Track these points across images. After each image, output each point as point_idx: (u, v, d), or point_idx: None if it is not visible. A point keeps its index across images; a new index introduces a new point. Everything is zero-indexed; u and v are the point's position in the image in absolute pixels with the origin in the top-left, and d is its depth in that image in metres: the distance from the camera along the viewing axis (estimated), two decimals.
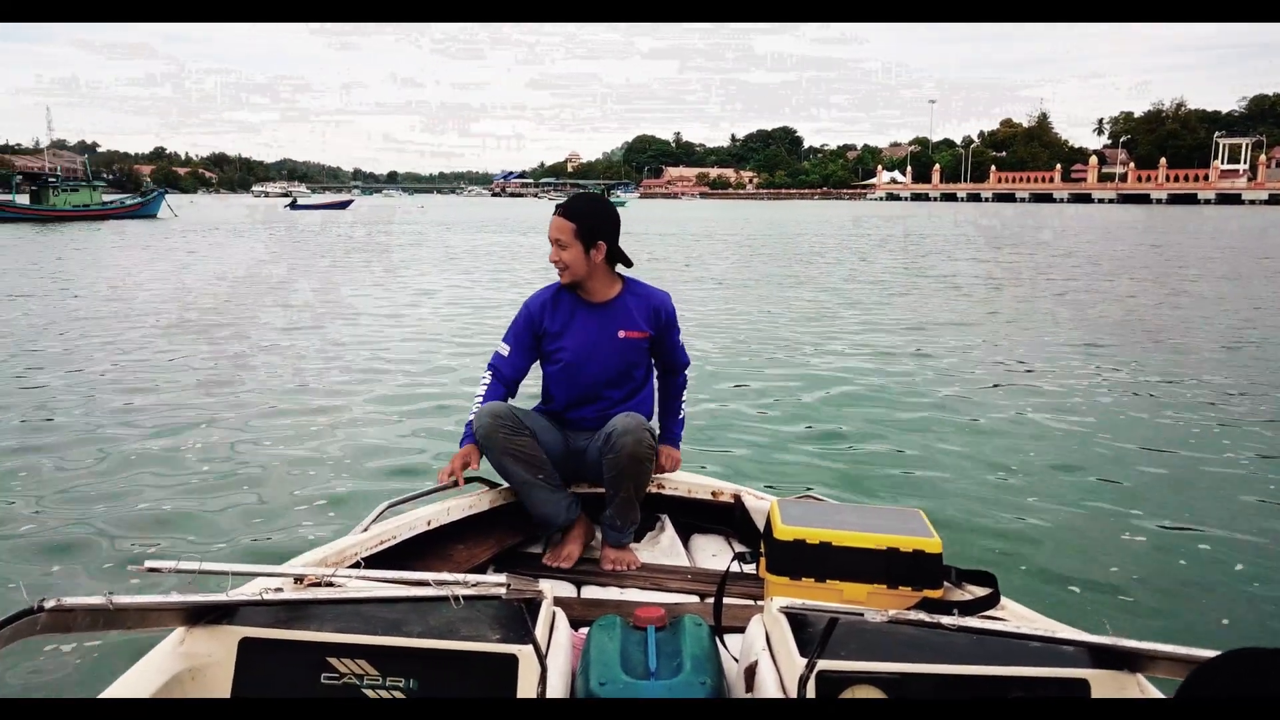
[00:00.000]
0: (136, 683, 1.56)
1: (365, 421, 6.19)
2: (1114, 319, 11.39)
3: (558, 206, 2.84)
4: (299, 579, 1.85)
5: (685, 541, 3.04)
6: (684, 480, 3.05)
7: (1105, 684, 1.52)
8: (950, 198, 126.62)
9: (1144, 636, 1.51)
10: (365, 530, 2.47)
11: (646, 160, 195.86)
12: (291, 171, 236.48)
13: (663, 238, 31.43)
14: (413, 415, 6.39)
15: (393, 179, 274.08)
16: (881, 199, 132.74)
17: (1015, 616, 2.03)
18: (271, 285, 15.12)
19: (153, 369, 7.95)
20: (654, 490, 2.99)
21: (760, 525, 2.64)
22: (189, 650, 1.62)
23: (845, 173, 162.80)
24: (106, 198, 49.87)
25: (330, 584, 1.78)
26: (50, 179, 46.12)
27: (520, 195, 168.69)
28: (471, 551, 2.72)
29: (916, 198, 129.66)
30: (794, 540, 2.17)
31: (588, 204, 2.84)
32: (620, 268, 2.93)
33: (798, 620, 1.66)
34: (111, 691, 1.53)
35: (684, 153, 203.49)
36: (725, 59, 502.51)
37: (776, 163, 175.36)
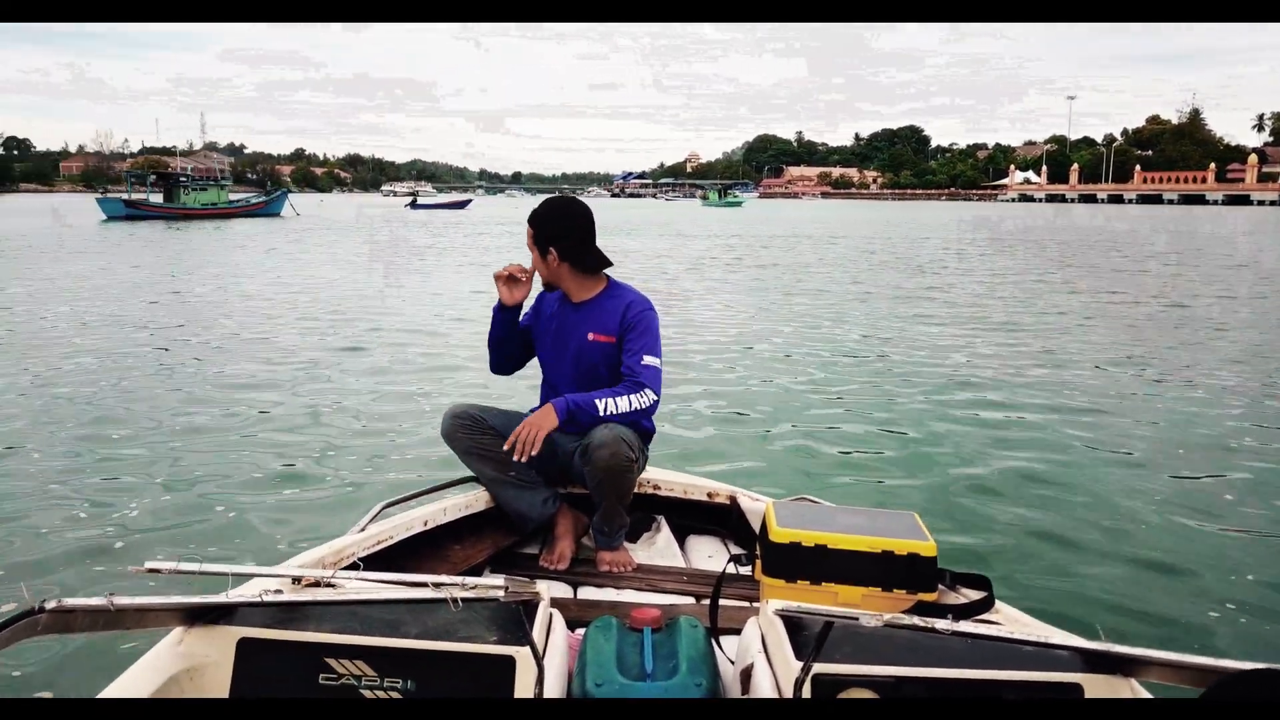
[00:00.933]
0: (135, 682, 1.57)
1: (370, 418, 6.19)
2: None
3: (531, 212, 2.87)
4: (297, 579, 1.85)
5: (681, 542, 3.02)
6: (680, 481, 3.05)
7: (1098, 688, 1.55)
8: (1089, 199, 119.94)
9: (1137, 642, 1.54)
10: (362, 530, 2.49)
11: (767, 160, 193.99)
12: (420, 172, 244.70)
13: (772, 238, 30.08)
14: (416, 416, 6.26)
15: (516, 179, 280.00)
16: (1013, 200, 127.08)
17: (1009, 620, 2.04)
18: (328, 282, 15.13)
19: (161, 369, 7.86)
20: (650, 491, 3.01)
21: (756, 527, 2.69)
22: (187, 650, 1.64)
23: (975, 173, 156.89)
24: (233, 196, 52.09)
25: (329, 584, 1.78)
26: (181, 178, 48.45)
27: (639, 195, 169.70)
28: (468, 552, 2.73)
29: (1052, 199, 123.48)
30: (790, 543, 2.16)
31: (547, 209, 2.84)
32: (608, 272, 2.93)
33: (793, 623, 1.67)
34: (110, 691, 1.55)
35: (806, 152, 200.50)
36: (852, 57, 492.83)
37: (902, 162, 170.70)
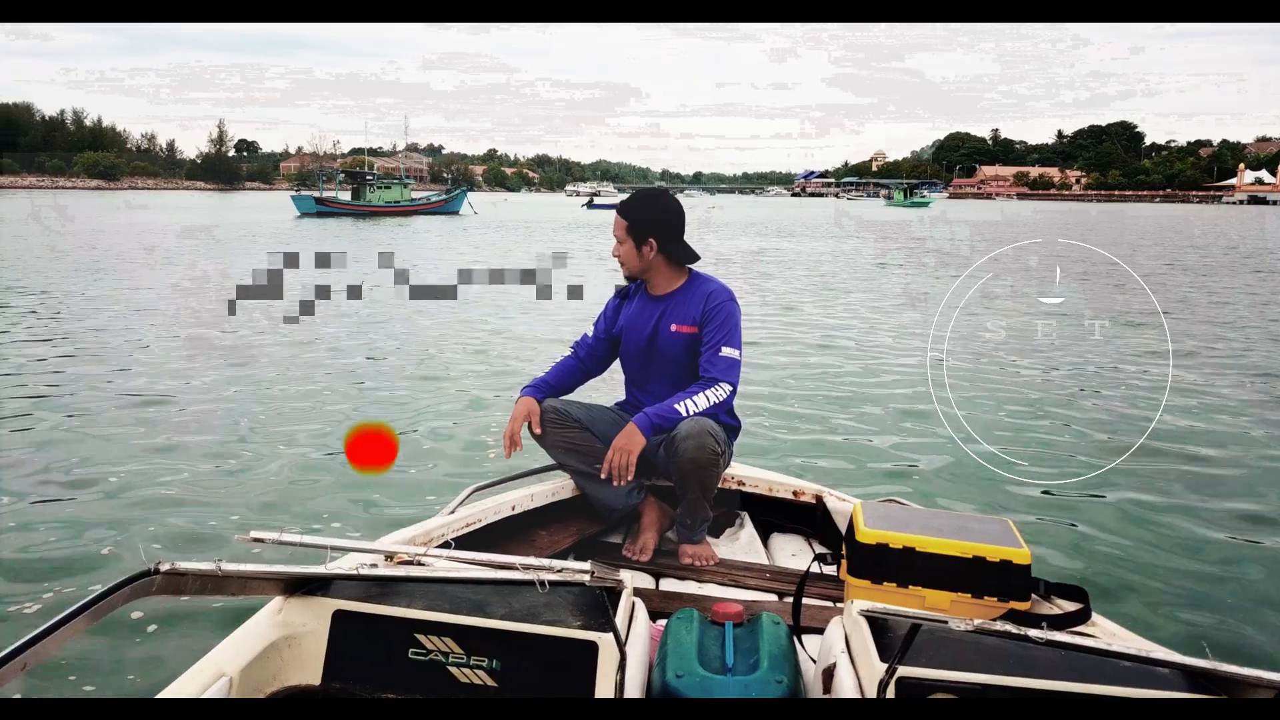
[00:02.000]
0: (239, 646, 1.64)
1: (466, 405, 6.41)
2: None
3: (619, 203, 2.88)
4: (389, 556, 1.91)
5: (764, 539, 3.00)
6: (765, 478, 3.03)
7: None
8: None
9: (1244, 662, 1.45)
10: (452, 513, 2.55)
11: (959, 159, 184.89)
12: (605, 172, 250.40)
13: (958, 244, 28.01)
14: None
15: (697, 180, 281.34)
16: (1241, 202, 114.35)
17: (1107, 634, 1.96)
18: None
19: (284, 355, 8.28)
20: (734, 487, 3.00)
21: (842, 527, 2.65)
22: (286, 619, 1.70)
23: (1196, 172, 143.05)
24: (415, 194, 54.68)
25: (419, 563, 1.80)
26: (368, 176, 51.26)
27: (820, 195, 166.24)
28: (553, 538, 2.76)
29: None
30: (877, 544, 2.13)
31: (643, 201, 2.87)
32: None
33: (878, 624, 1.64)
34: (219, 651, 1.62)
35: (1001, 150, 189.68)
36: (1057, 45, 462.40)
37: (1110, 161, 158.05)
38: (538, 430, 2.82)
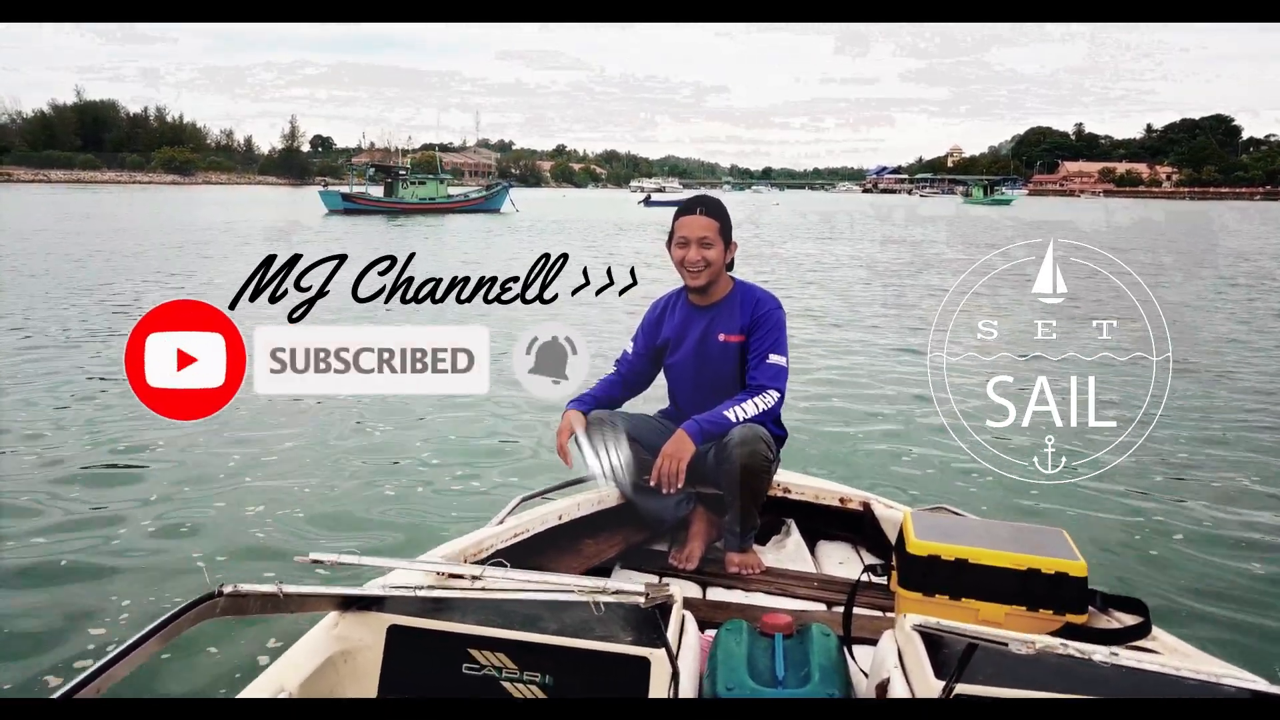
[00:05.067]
0: (297, 660, 1.70)
1: (505, 416, 6.21)
2: None
3: (696, 206, 2.81)
4: (441, 573, 1.93)
5: (811, 547, 2.97)
6: (811, 485, 3.02)
7: None
8: None
9: None
10: (500, 523, 2.57)
11: (1039, 154, 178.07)
12: (672, 168, 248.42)
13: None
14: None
15: (766, 175, 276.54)
16: None
17: (1168, 649, 1.93)
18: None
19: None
20: (779, 494, 2.98)
21: (890, 536, 2.68)
22: (342, 634, 1.77)
23: None
24: (452, 191, 53.05)
25: (472, 578, 1.82)
26: (400, 171, 49.66)
27: (892, 191, 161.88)
28: (600, 547, 2.75)
29: None
30: (928, 555, 2.09)
31: (720, 204, 2.84)
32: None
33: (933, 640, 1.61)
34: (277, 667, 1.67)
35: (1085, 146, 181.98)
36: (1143, 35, 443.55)
37: (1204, 156, 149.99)
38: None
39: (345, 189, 46.45)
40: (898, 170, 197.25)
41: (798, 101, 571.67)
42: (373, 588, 1.76)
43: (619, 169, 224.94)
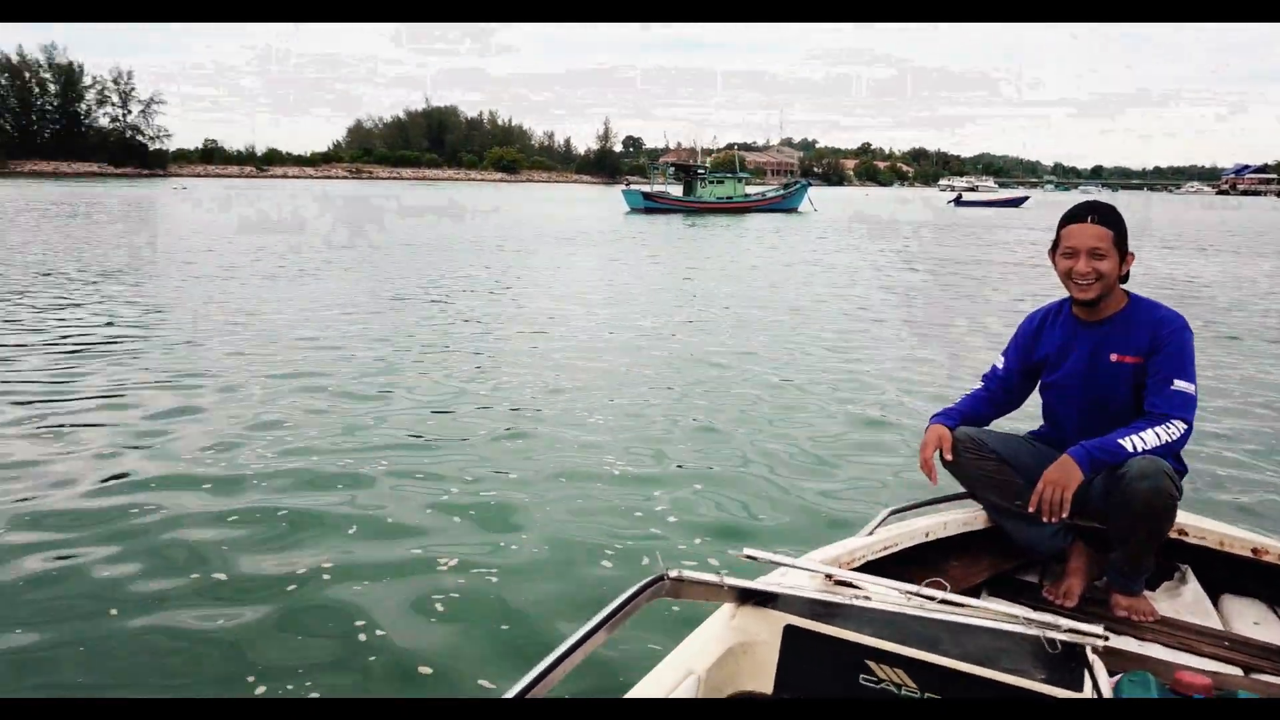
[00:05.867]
0: (702, 647, 1.76)
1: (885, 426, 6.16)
2: None
3: (1088, 213, 2.57)
4: (828, 576, 1.92)
5: (1213, 600, 2.62)
6: (1214, 530, 2.68)
7: None
8: None
9: None
10: (870, 534, 2.51)
11: None
12: (987, 166, 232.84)
13: None
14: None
15: (1096, 174, 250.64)
16: None
17: None
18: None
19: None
20: (1174, 536, 2.65)
21: None
22: (740, 625, 1.82)
23: None
24: (750, 189, 52.60)
25: (855, 585, 1.79)
26: (699, 170, 49.92)
27: (1256, 193, 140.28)
28: (966, 570, 2.64)
29: None
30: None
31: (1115, 210, 2.61)
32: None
33: None
34: (681, 653, 1.74)
35: None
36: None
37: None
38: (949, 457, 2.66)
39: (647, 188, 47.68)
40: (1263, 169, 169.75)
41: (1131, 89, 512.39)
42: (766, 584, 1.80)
43: (928, 167, 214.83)
